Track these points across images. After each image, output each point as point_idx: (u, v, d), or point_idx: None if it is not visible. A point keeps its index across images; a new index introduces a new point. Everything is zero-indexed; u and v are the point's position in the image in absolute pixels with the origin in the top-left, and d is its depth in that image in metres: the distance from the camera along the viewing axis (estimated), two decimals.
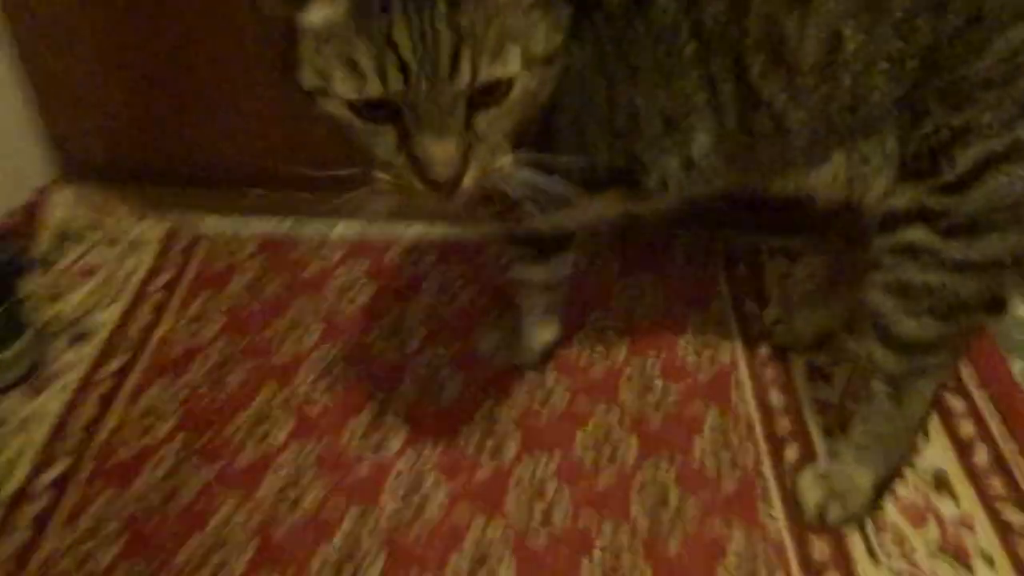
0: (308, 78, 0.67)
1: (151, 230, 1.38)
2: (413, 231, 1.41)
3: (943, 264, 0.81)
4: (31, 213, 1.35)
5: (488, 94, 0.67)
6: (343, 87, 0.65)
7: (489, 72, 0.65)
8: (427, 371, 1.17)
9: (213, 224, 1.42)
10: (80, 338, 1.21)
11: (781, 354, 1.19)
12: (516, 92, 0.68)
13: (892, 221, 0.83)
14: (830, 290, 1.16)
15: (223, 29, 1.27)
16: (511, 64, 0.66)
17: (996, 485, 1.02)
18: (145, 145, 1.41)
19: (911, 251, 0.82)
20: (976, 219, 0.78)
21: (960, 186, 0.78)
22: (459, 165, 0.67)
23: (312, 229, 1.42)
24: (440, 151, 0.66)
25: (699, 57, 0.79)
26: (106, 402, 1.13)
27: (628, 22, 0.78)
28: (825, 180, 0.87)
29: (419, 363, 1.18)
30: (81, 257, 1.33)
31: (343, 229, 1.42)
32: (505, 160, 0.72)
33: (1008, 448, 1.06)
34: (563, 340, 1.19)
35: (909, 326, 0.85)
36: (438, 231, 1.40)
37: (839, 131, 0.82)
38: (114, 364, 1.18)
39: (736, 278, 1.32)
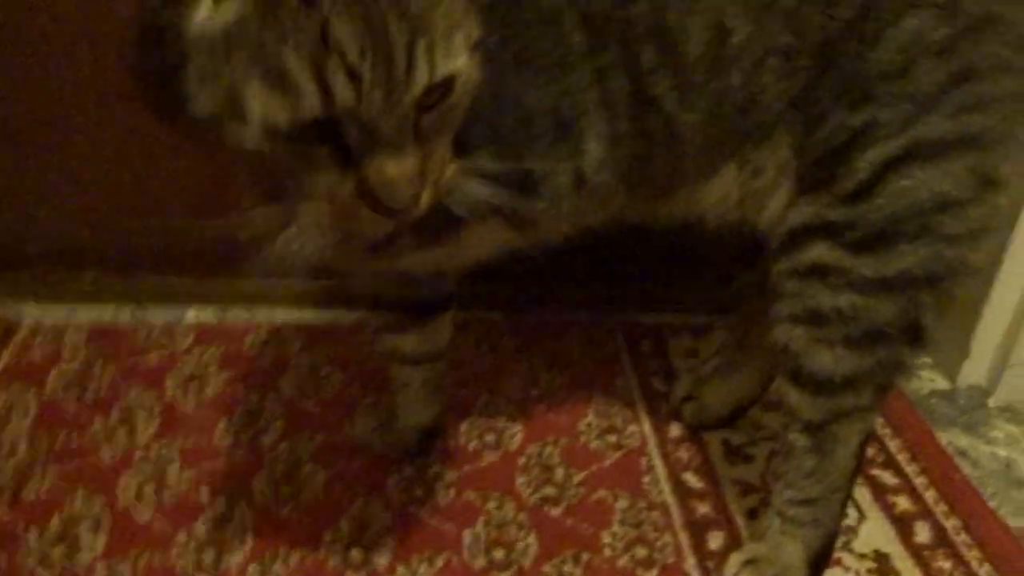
0: (204, 101, 0.51)
1: None
2: (276, 315, 1.24)
3: (853, 284, 0.71)
4: None
5: (433, 94, 0.54)
6: (265, 109, 0.50)
7: (445, 67, 0.53)
8: (285, 467, 0.97)
9: (35, 311, 1.21)
10: None
11: (694, 434, 1.06)
12: (459, 87, 0.56)
13: (793, 240, 0.74)
14: (740, 360, 1.05)
15: (50, 82, 1.12)
16: (461, 55, 0.54)
17: (944, 567, 0.89)
18: None
19: (817, 272, 0.73)
20: (883, 230, 0.70)
21: (862, 194, 0.70)
22: (418, 185, 0.54)
23: (157, 316, 1.23)
24: (400, 171, 0.53)
25: (588, 48, 0.69)
26: None
27: (515, 5, 0.68)
28: (717, 197, 0.78)
29: (275, 459, 0.98)
30: None
31: (195, 315, 1.24)
32: (451, 169, 0.60)
33: (950, 524, 0.94)
34: (448, 428, 1.03)
35: (823, 360, 0.74)
36: (305, 315, 1.24)
37: (731, 137, 0.73)
38: None
39: (640, 356, 1.20)
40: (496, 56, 0.67)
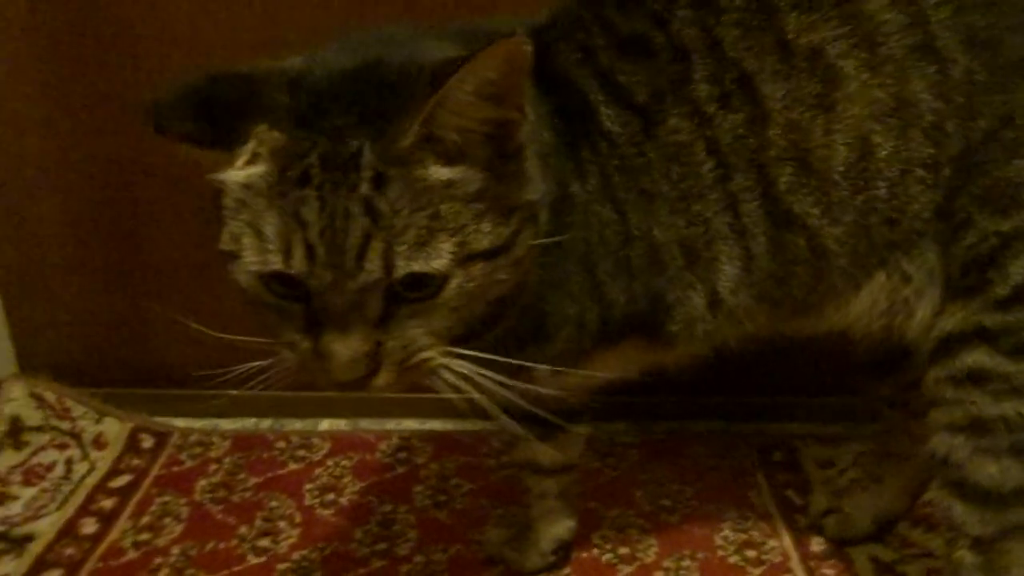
0: (224, 239, 0.59)
1: (112, 431, 1.24)
2: (406, 425, 1.27)
3: (1017, 390, 0.69)
4: None
5: (415, 288, 0.57)
6: (249, 255, 0.57)
7: (407, 267, 0.56)
8: None
9: (183, 424, 1.28)
10: (14, 548, 1.03)
11: (838, 548, 1.01)
12: (451, 289, 0.58)
13: (946, 347, 0.73)
14: (883, 472, 1.01)
15: (190, 225, 1.22)
16: (439, 259, 0.56)
17: None
18: (109, 344, 1.30)
19: (975, 378, 0.71)
20: None
21: (1018, 299, 0.69)
22: (367, 364, 0.58)
23: (294, 427, 1.28)
24: (341, 349, 0.57)
25: (718, 177, 0.71)
26: None
27: (636, 146, 0.71)
28: (865, 307, 0.77)
29: (410, 571, 0.99)
30: (29, 459, 1.18)
31: (329, 425, 1.28)
32: (432, 353, 0.61)
33: None
34: (579, 541, 1.02)
35: (989, 471, 0.71)
36: (435, 425, 1.27)
37: (879, 248, 0.73)
38: None
39: (772, 467, 1.17)
40: (620, 199, 0.71)
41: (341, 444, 1.22)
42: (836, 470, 1.13)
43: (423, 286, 0.57)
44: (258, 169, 0.57)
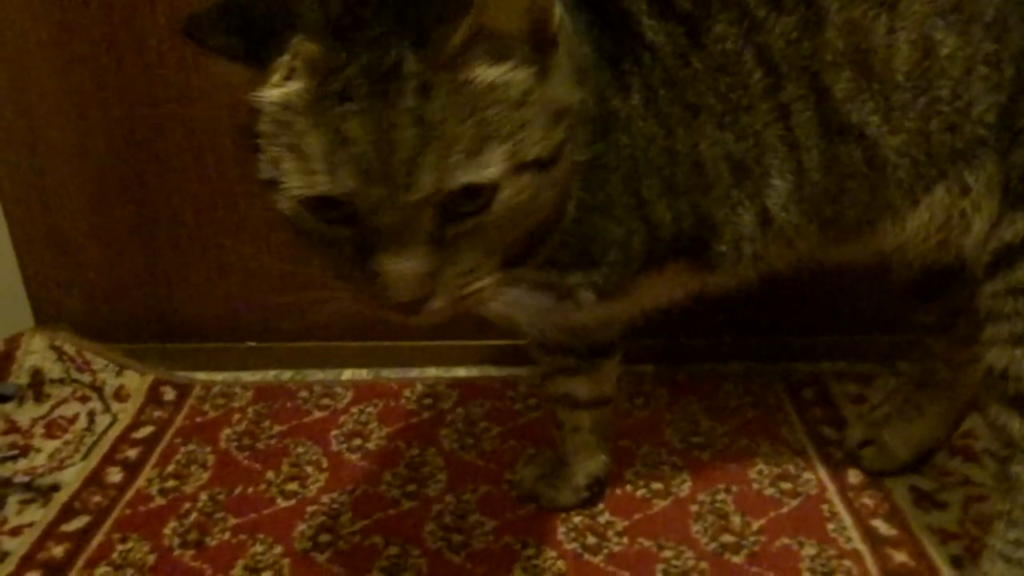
0: (262, 167, 0.55)
1: (132, 383, 1.22)
2: (430, 373, 1.25)
3: None
4: (1, 362, 1.20)
5: (465, 203, 0.54)
6: (292, 180, 0.53)
7: (461, 177, 0.52)
8: (452, 519, 0.96)
9: (203, 376, 1.27)
10: (40, 497, 1.02)
11: (875, 480, 0.99)
12: (501, 202, 0.55)
13: (1006, 258, 0.70)
14: (923, 402, 0.99)
15: (211, 180, 1.21)
16: (490, 168, 0.53)
17: None
18: (127, 300, 1.29)
19: None
20: None
21: None
22: (425, 287, 0.54)
23: (315, 377, 1.27)
24: (399, 270, 0.53)
25: (769, 86, 0.69)
26: (57, 571, 0.91)
27: (681, 58, 0.68)
28: (921, 224, 0.74)
29: (443, 509, 0.98)
30: (51, 411, 1.16)
31: (351, 375, 1.27)
32: (489, 279, 0.58)
33: None
34: (612, 478, 1.00)
35: None
36: (459, 372, 1.25)
37: (940, 158, 0.70)
38: (74, 525, 0.97)
39: (803, 404, 1.15)
40: (664, 113, 0.68)
41: (365, 392, 1.21)
42: (868, 405, 1.11)
43: (474, 199, 0.54)
44: (296, 85, 0.53)
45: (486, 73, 0.53)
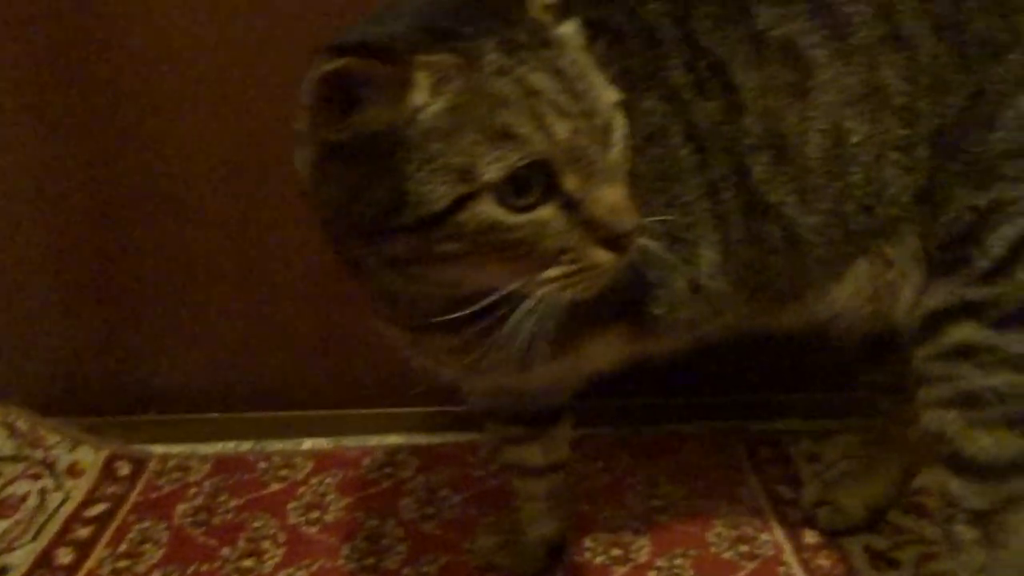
0: (440, 192, 0.54)
1: (87, 458, 1.20)
2: (391, 440, 1.25)
3: (1005, 362, 0.69)
4: None
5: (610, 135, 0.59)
6: (498, 164, 0.53)
7: (614, 95, 0.59)
8: None
9: (162, 450, 1.25)
10: None
11: (831, 540, 1.00)
12: (622, 123, 0.60)
13: (933, 324, 0.73)
14: (875, 461, 1.01)
15: (176, 246, 1.20)
16: (615, 93, 0.60)
17: None
18: (83, 371, 1.28)
19: (964, 353, 0.71)
20: (1021, 304, 0.69)
21: (999, 271, 0.69)
22: (636, 211, 0.58)
23: (275, 447, 1.26)
24: (620, 196, 0.57)
25: (697, 163, 0.71)
26: None
27: None
28: (847, 295, 0.77)
29: None
30: (2, 490, 1.14)
31: (311, 445, 1.26)
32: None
33: None
34: (572, 543, 1.00)
35: (983, 443, 0.71)
36: (418, 439, 1.25)
37: (858, 235, 0.73)
38: None
39: (761, 463, 1.16)
40: None
41: (324, 462, 1.20)
42: (825, 463, 1.13)
43: (617, 131, 0.59)
44: (452, 88, 0.55)
45: (563, 28, 0.60)
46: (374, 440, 1.25)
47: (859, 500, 1.00)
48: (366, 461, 1.19)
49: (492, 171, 0.53)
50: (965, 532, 0.74)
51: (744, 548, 1.00)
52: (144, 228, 1.20)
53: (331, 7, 1.00)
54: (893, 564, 0.96)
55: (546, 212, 0.56)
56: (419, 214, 0.55)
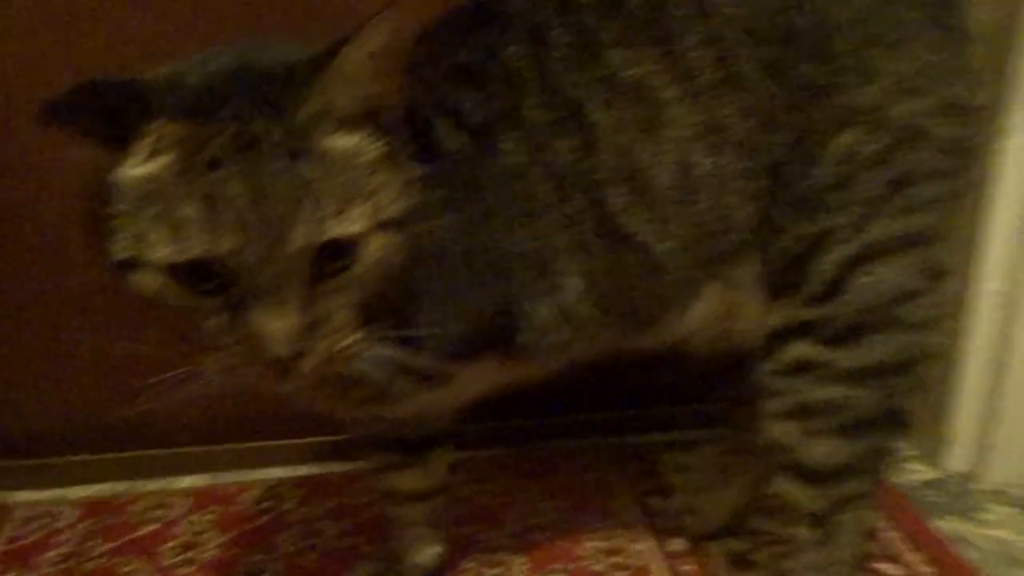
0: (121, 246, 0.58)
1: None
2: (272, 473, 1.24)
3: (836, 376, 0.76)
4: None
5: (333, 260, 0.60)
6: (162, 249, 0.56)
7: (333, 230, 0.58)
8: None
9: (27, 496, 1.20)
10: None
11: (697, 545, 1.06)
12: (365, 258, 0.61)
13: (774, 342, 0.79)
14: (734, 469, 1.07)
15: (43, 280, 1.16)
16: (357, 223, 0.60)
17: None
18: None
19: (800, 368, 0.77)
20: (854, 323, 0.75)
21: (830, 293, 0.76)
22: (300, 342, 0.58)
23: (149, 487, 1.23)
24: (277, 326, 0.57)
25: (555, 197, 0.75)
26: None
27: (477, 163, 0.74)
28: (701, 316, 0.82)
29: None
30: None
31: (189, 483, 1.24)
32: (355, 337, 0.63)
33: None
34: (450, 566, 1.02)
35: (818, 451, 0.78)
36: (299, 470, 1.24)
37: (710, 260, 0.79)
38: None
39: (635, 476, 1.21)
40: (466, 211, 0.73)
41: (201, 500, 1.18)
42: (693, 473, 1.19)
43: (342, 256, 0.60)
44: (162, 160, 0.57)
45: (341, 141, 0.61)
46: (255, 474, 1.24)
47: (721, 506, 1.07)
48: (245, 496, 1.18)
49: (158, 252, 0.57)
50: (804, 533, 0.81)
51: (617, 559, 1.05)
52: (18, 258, 1.15)
53: None
54: (751, 564, 1.02)
55: (213, 304, 0.59)
56: (111, 256, 0.59)
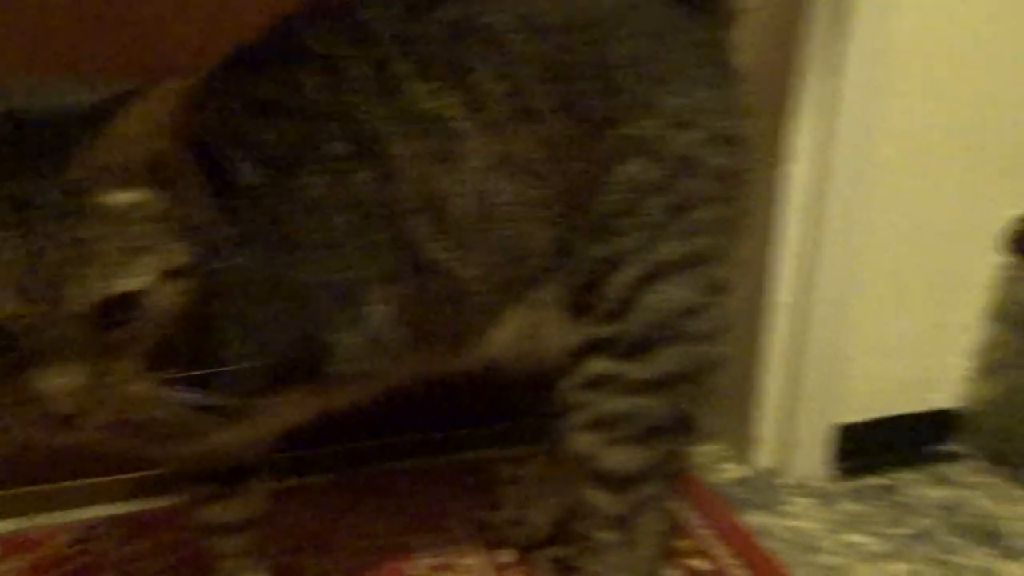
0: None
1: None
2: (92, 513, 1.18)
3: (630, 387, 0.82)
4: None
5: (120, 313, 0.59)
6: None
7: (115, 287, 0.57)
8: None
9: None
10: None
11: (525, 555, 1.10)
12: (152, 308, 0.60)
13: (574, 359, 0.84)
14: (556, 480, 1.12)
15: None
16: (140, 278, 0.59)
17: None
18: None
19: (598, 382, 0.83)
20: (644, 338, 0.81)
21: (621, 312, 0.81)
22: (85, 397, 0.57)
23: None
24: (60, 384, 0.56)
25: (357, 229, 0.77)
26: None
27: (277, 197, 0.75)
28: (507, 338, 0.86)
29: None
30: None
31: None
32: (145, 383, 0.62)
33: None
34: None
35: (616, 459, 0.84)
36: (115, 510, 1.19)
37: (513, 284, 0.82)
38: None
39: (467, 492, 1.24)
40: (266, 245, 0.74)
41: (11, 546, 1.11)
42: (520, 485, 1.23)
43: (128, 308, 0.59)
44: None
45: (120, 197, 0.59)
46: (67, 516, 1.18)
47: (545, 515, 1.11)
48: (59, 539, 1.12)
49: None
50: (608, 536, 0.86)
51: (446, 575, 1.07)
52: None
53: None
54: (573, 569, 1.07)
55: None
56: None
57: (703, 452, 1.36)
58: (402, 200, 0.77)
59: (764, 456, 1.33)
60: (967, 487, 1.29)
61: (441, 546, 1.12)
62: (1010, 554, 1.15)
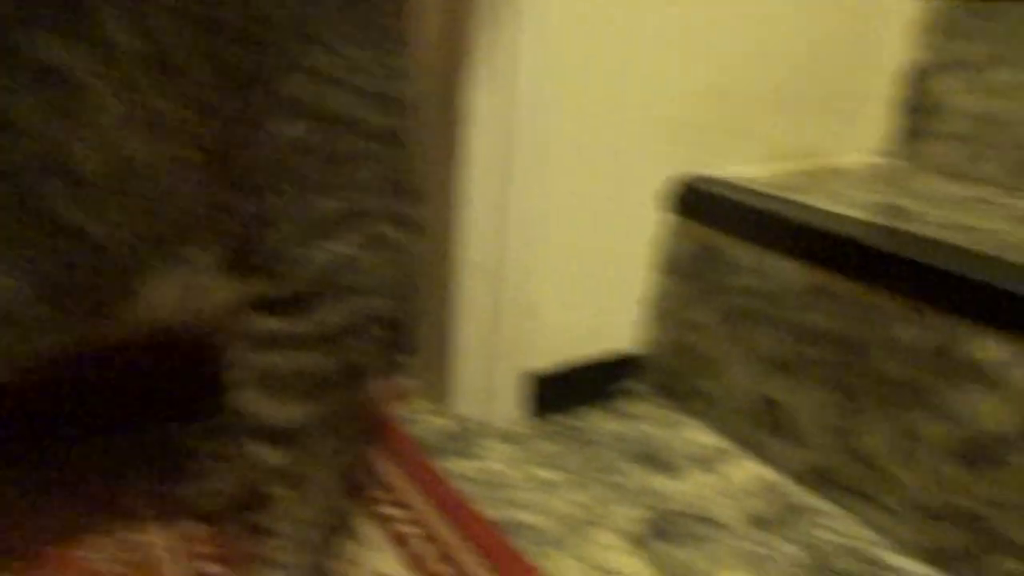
0: None
1: None
2: None
3: (296, 343, 0.83)
4: None
5: None
6: None
7: None
8: None
9: None
10: None
11: (217, 524, 1.08)
12: None
13: (239, 319, 0.83)
14: (239, 444, 1.11)
15: None
16: None
17: (441, 570, 1.03)
18: None
19: (263, 340, 0.82)
20: (308, 294, 0.82)
21: (280, 269, 0.82)
22: None
23: None
24: None
25: None
26: None
27: None
28: (168, 302, 0.83)
29: None
30: None
31: None
32: None
33: (447, 534, 1.10)
34: None
35: (280, 414, 0.84)
36: None
37: (158, 243, 0.80)
38: None
39: (150, 468, 1.19)
40: None
41: None
42: (205, 456, 1.20)
43: None
44: None
45: None
46: None
47: (233, 483, 1.10)
48: None
49: None
50: (280, 492, 0.87)
51: (125, 555, 1.02)
52: None
53: None
54: (271, 533, 1.07)
55: None
56: None
57: (406, 405, 1.41)
58: (26, 160, 0.71)
59: (464, 405, 1.40)
60: (638, 419, 1.45)
61: (119, 524, 1.07)
62: (665, 469, 1.31)
